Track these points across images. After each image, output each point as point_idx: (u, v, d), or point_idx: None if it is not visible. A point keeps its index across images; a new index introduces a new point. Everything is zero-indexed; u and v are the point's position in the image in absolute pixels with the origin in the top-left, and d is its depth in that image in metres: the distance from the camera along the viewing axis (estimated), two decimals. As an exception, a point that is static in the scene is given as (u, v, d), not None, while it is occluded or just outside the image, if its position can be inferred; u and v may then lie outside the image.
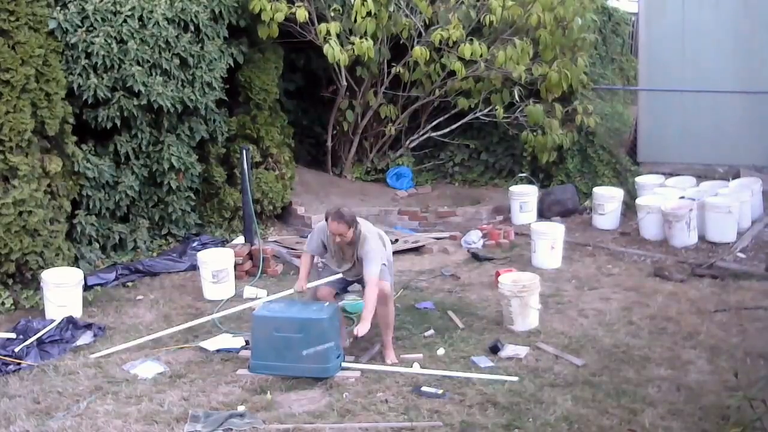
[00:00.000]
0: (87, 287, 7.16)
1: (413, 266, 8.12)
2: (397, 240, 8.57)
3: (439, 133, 10.90)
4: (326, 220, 5.69)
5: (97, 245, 8.06)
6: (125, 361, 5.84)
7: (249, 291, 7.37)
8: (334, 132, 10.85)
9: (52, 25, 7.45)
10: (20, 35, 6.93)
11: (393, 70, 10.20)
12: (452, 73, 9.84)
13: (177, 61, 8.23)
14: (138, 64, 7.92)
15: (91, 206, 7.99)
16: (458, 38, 9.39)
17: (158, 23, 8.01)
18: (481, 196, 10.49)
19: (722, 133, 10.13)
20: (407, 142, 11.04)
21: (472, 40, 9.45)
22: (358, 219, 5.74)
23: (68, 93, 7.56)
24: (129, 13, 7.87)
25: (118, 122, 8.05)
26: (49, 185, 7.31)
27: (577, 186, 10.08)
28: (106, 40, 7.72)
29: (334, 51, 8.93)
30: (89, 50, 7.68)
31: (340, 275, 5.93)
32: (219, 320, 6.56)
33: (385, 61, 10.20)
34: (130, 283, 7.61)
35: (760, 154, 10.03)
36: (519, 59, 9.45)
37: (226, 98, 8.99)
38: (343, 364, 5.59)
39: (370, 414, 4.95)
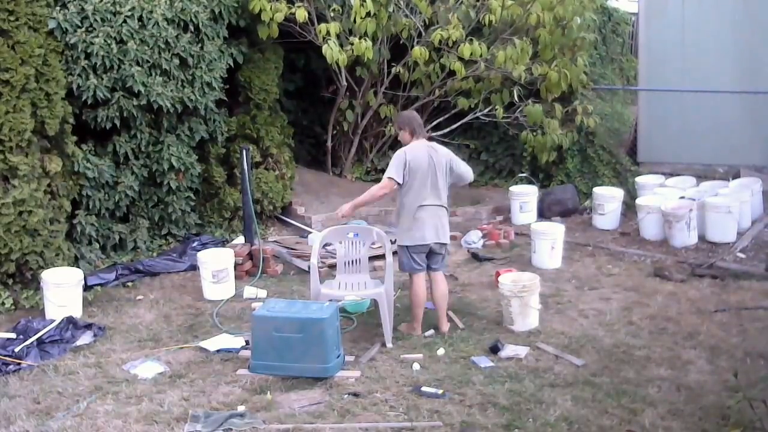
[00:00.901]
0: (87, 287, 7.17)
1: (413, 266, 8.12)
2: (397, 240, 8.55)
3: (439, 133, 10.88)
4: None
5: (97, 245, 8.06)
6: (125, 361, 5.84)
7: (249, 291, 7.37)
8: (334, 132, 10.85)
9: (52, 25, 7.45)
10: (20, 35, 6.93)
11: (393, 70, 10.19)
12: (452, 73, 9.84)
13: (177, 61, 8.23)
14: (138, 64, 7.92)
15: (91, 206, 7.99)
16: (458, 38, 9.39)
17: (158, 23, 8.01)
18: (481, 196, 10.49)
19: (722, 133, 10.13)
20: (407, 142, 11.02)
21: (471, 40, 9.45)
22: (412, 133, 6.25)
23: (68, 93, 7.57)
24: (129, 13, 7.87)
25: (118, 122, 8.05)
26: (49, 185, 7.31)
27: (577, 186, 10.09)
28: (105, 41, 7.72)
29: (332, 51, 8.93)
30: (89, 50, 7.68)
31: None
32: (219, 320, 6.57)
33: (385, 61, 10.20)
34: (130, 283, 7.61)
35: (760, 154, 10.03)
36: (519, 59, 9.45)
37: (226, 98, 8.99)
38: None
39: (370, 414, 4.95)
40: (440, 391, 5.20)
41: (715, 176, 9.94)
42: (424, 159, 6.10)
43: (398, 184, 6.07)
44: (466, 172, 6.38)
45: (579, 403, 5.03)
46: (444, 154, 6.24)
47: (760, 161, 10.03)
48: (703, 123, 10.24)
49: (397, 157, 6.11)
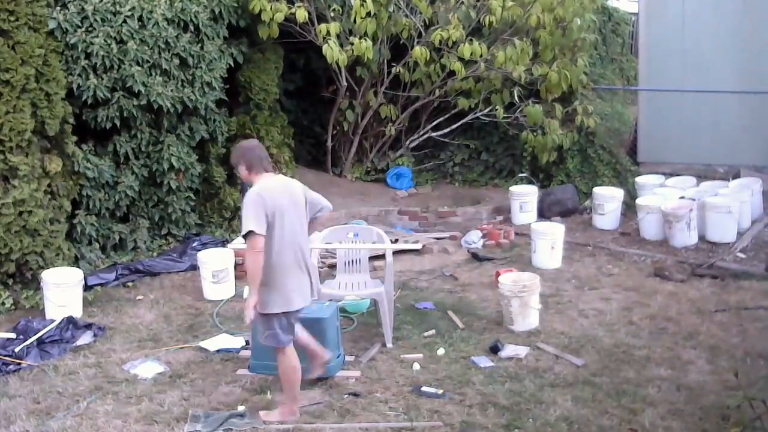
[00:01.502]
0: (87, 287, 7.16)
1: (413, 266, 8.11)
2: (397, 240, 8.57)
3: (439, 133, 10.90)
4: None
5: (97, 245, 8.06)
6: (125, 361, 5.84)
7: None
8: (334, 132, 10.86)
9: (52, 25, 7.45)
10: (20, 35, 6.93)
11: (393, 70, 10.20)
12: (452, 73, 9.84)
13: (177, 61, 8.23)
14: (138, 64, 7.91)
15: (91, 206, 7.99)
16: (458, 38, 9.39)
17: (158, 23, 8.01)
18: (481, 196, 10.49)
19: (722, 133, 10.13)
20: (407, 142, 11.04)
21: (471, 40, 9.46)
22: (249, 168, 4.88)
23: (68, 93, 7.56)
24: (129, 13, 7.87)
25: (118, 122, 8.05)
26: (49, 185, 7.31)
27: (577, 186, 10.08)
28: (105, 41, 7.72)
29: (332, 51, 8.94)
30: (89, 50, 7.68)
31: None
32: (219, 320, 6.57)
33: (385, 61, 10.20)
34: (130, 283, 7.61)
35: (760, 154, 10.03)
36: (519, 59, 9.45)
37: (226, 98, 8.99)
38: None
39: (370, 414, 4.95)
40: (440, 391, 5.20)
41: (715, 176, 9.94)
42: (284, 197, 4.87)
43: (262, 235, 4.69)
44: (322, 198, 5.24)
45: (579, 403, 5.03)
46: (299, 186, 5.10)
47: (760, 161, 10.03)
48: (703, 123, 10.24)
49: (252, 203, 4.70)
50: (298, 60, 10.60)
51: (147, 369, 5.67)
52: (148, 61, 7.99)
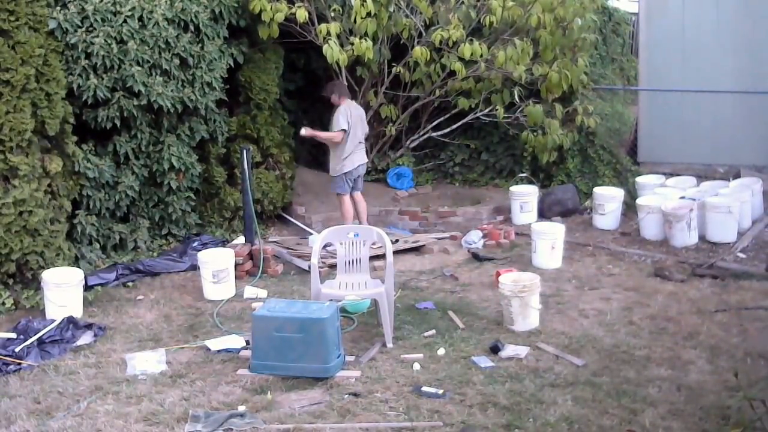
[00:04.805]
0: (87, 287, 7.17)
1: (413, 266, 8.12)
2: (397, 240, 8.58)
3: (439, 133, 10.90)
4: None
5: (98, 245, 8.06)
6: (125, 361, 5.84)
7: (249, 291, 7.38)
8: (335, 132, 10.84)
9: (52, 25, 7.45)
10: (20, 35, 6.94)
11: (393, 70, 10.19)
12: (452, 73, 9.84)
13: (177, 61, 8.24)
14: (138, 64, 7.92)
15: (91, 206, 7.99)
16: (458, 38, 9.39)
17: (158, 23, 8.01)
18: (482, 196, 10.49)
19: (722, 133, 10.13)
20: (407, 142, 11.03)
21: (472, 40, 9.45)
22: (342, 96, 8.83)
23: (68, 93, 7.57)
24: (129, 13, 7.87)
25: (118, 122, 8.05)
26: (49, 185, 7.31)
27: (577, 186, 10.08)
28: (106, 41, 7.73)
29: (333, 51, 8.94)
30: (89, 50, 7.68)
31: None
32: (219, 320, 6.58)
33: (386, 61, 10.20)
34: (130, 283, 7.62)
35: (761, 154, 10.02)
36: (519, 59, 9.45)
37: (226, 98, 8.99)
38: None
39: (370, 414, 4.95)
40: (440, 391, 5.20)
41: (716, 176, 9.94)
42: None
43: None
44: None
45: (579, 403, 5.03)
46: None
47: (760, 161, 10.03)
48: (703, 123, 10.24)
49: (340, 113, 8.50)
50: (298, 60, 10.60)
51: (145, 360, 5.68)
52: (148, 61, 7.99)
